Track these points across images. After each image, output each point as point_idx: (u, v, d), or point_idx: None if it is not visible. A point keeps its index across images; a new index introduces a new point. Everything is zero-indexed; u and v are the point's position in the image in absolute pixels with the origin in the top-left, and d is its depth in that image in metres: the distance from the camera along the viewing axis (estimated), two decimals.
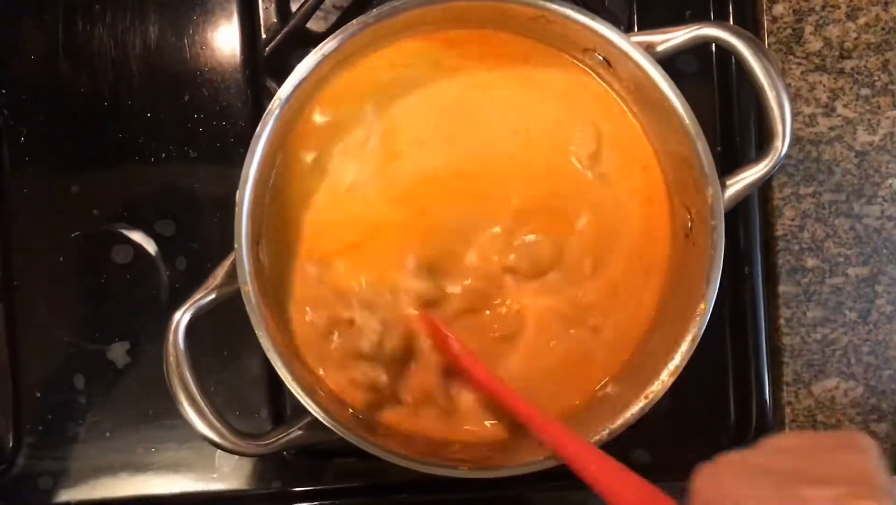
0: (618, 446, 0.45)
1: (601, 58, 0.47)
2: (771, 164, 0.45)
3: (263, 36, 0.57)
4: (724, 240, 0.45)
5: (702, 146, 0.44)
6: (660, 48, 0.45)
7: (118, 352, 0.56)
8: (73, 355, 0.56)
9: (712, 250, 0.45)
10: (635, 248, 0.50)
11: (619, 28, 0.45)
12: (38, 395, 0.56)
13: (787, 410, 0.58)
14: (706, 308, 0.45)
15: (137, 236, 0.56)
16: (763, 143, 0.57)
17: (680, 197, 0.48)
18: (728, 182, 0.46)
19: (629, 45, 0.44)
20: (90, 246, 0.56)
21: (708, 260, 0.45)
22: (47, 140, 0.57)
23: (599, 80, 0.50)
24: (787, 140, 0.45)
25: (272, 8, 0.57)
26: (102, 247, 0.56)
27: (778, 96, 0.44)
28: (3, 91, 0.56)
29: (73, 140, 0.57)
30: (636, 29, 0.57)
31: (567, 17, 0.45)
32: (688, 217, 0.48)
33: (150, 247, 0.56)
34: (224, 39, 0.57)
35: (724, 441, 0.58)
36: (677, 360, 0.45)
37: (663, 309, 0.49)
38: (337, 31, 0.45)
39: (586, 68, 0.50)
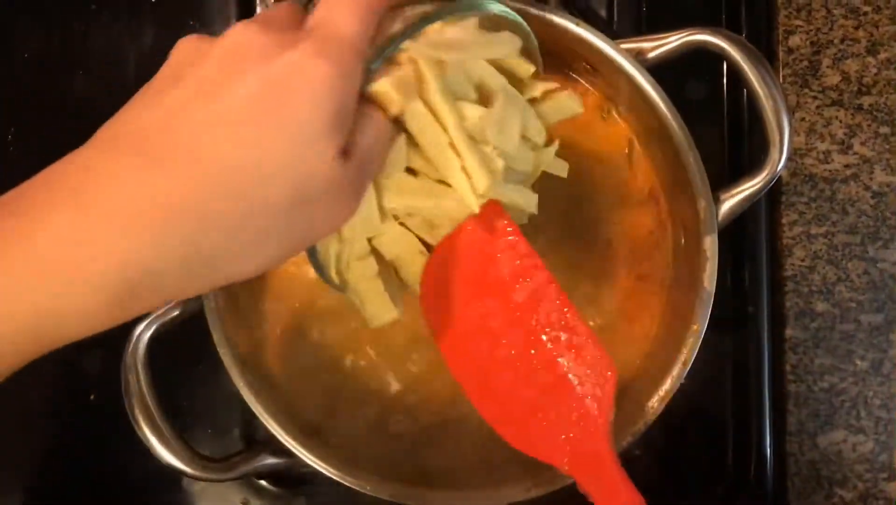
0: None
1: (587, 66, 0.45)
2: (768, 177, 0.42)
3: None
4: (717, 257, 0.42)
5: (693, 157, 0.42)
6: (650, 55, 0.42)
7: (90, 360, 0.54)
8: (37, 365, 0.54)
9: (703, 270, 0.42)
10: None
11: (607, 33, 0.43)
12: None
13: (791, 461, 0.55)
14: (699, 329, 0.42)
15: None
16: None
17: (677, 214, 0.46)
18: (723, 196, 0.43)
19: (616, 51, 0.42)
20: None
21: (699, 278, 0.42)
22: (35, 141, 0.56)
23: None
24: (786, 151, 0.41)
25: None
26: None
27: (775, 105, 0.41)
28: None
29: (62, 142, 0.54)
30: None
31: (552, 24, 0.42)
32: (681, 234, 0.45)
33: None
34: None
35: (719, 490, 0.55)
36: (668, 384, 0.42)
37: (663, 332, 0.46)
38: None
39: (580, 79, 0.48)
